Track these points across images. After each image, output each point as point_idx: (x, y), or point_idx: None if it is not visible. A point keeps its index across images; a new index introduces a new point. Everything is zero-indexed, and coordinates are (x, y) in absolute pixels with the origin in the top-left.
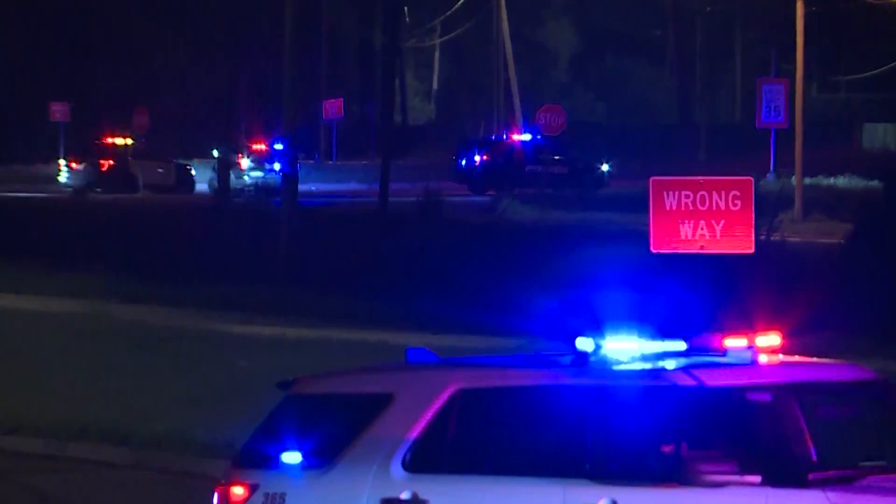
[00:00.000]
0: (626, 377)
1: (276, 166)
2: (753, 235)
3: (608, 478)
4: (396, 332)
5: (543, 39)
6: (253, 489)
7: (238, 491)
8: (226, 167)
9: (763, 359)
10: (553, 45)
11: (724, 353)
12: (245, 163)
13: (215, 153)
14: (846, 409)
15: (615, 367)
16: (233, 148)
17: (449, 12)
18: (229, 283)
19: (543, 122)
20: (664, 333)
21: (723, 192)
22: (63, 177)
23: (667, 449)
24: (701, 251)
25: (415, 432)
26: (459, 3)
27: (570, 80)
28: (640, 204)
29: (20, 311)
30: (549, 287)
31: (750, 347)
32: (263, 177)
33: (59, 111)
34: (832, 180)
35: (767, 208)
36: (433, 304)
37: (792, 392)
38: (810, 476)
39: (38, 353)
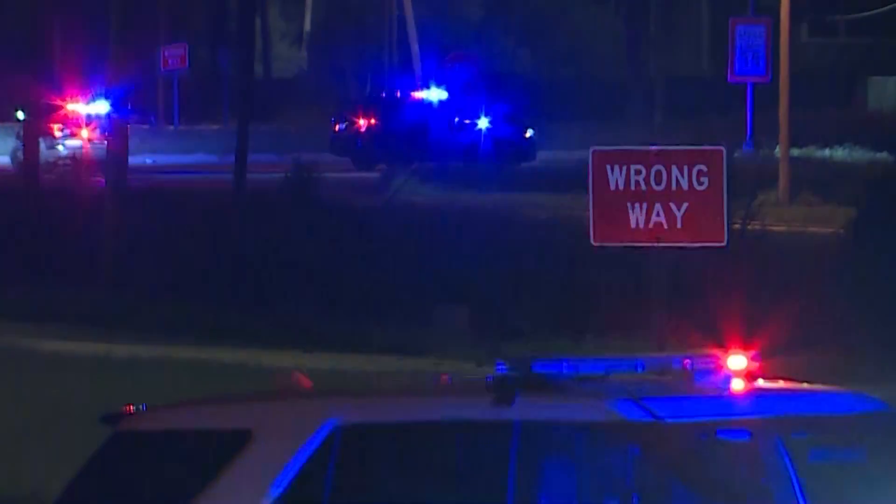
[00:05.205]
0: (561, 410)
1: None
2: (725, 223)
3: None
4: (258, 350)
5: None
6: None
7: None
8: (33, 134)
9: (738, 385)
10: None
11: (687, 377)
12: (59, 129)
13: (20, 116)
14: (846, 451)
15: (547, 397)
16: (43, 109)
17: None
18: (38, 286)
19: (451, 74)
20: (611, 353)
21: (685, 167)
22: None
23: (613, 502)
24: (657, 244)
25: (281, 482)
26: None
27: (484, 20)
28: (576, 182)
29: None
30: (456, 292)
31: (721, 370)
32: (83, 147)
33: None
34: (827, 152)
35: (744, 187)
36: (305, 313)
37: (776, 428)
38: None
39: None
